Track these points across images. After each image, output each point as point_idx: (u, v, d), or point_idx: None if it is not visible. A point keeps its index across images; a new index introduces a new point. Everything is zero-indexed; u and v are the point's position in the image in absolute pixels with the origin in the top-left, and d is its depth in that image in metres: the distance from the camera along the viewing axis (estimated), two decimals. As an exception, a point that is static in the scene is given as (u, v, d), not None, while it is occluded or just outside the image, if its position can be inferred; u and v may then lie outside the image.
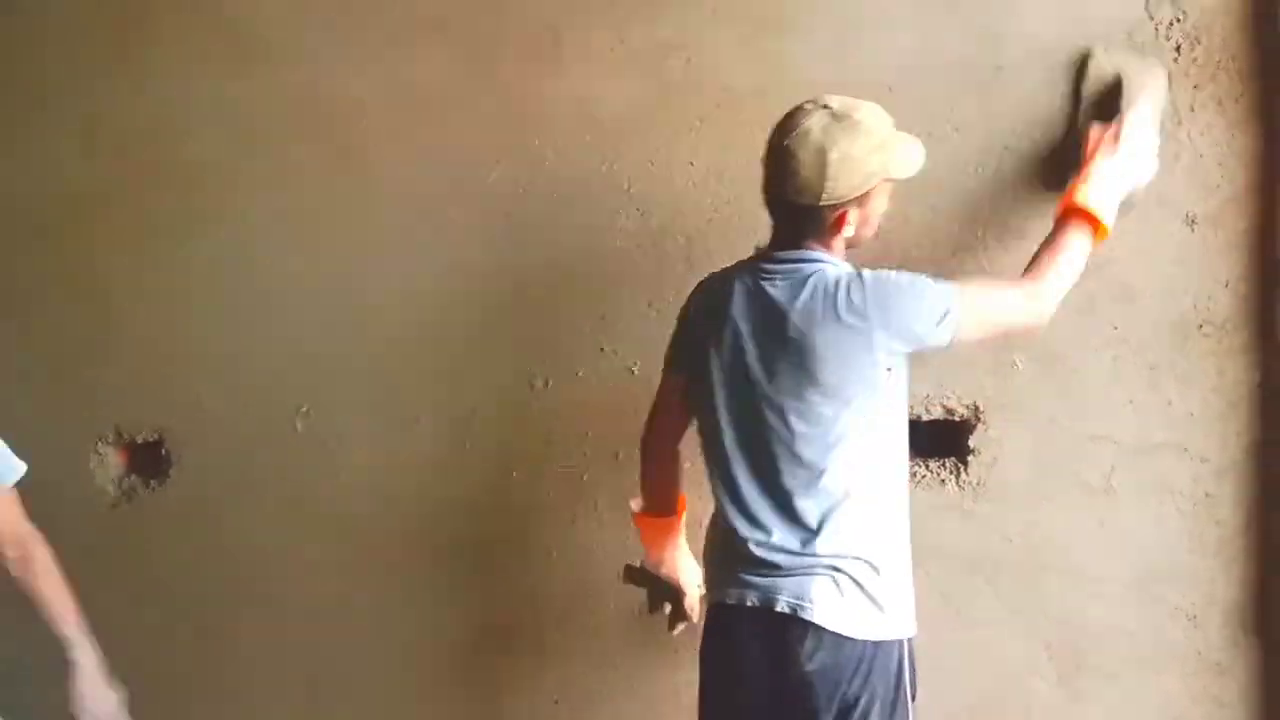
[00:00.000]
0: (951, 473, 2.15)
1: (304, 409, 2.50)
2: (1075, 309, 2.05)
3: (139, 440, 2.64)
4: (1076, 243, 1.85)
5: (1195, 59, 2.02)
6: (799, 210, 1.82)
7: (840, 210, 1.80)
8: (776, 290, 1.82)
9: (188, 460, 2.59)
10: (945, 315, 1.77)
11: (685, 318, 1.99)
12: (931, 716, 2.13)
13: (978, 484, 2.13)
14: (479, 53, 2.39)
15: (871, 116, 1.81)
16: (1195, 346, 2.02)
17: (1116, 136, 1.91)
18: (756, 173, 2.21)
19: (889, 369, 1.79)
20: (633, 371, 2.29)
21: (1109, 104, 1.97)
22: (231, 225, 2.55)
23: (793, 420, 1.78)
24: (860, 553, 1.77)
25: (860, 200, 1.81)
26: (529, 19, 2.36)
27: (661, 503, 2.08)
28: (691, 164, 2.28)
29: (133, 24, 2.61)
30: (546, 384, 2.37)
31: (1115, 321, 2.06)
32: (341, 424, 2.49)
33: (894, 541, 1.83)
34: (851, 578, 1.77)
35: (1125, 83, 1.95)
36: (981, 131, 2.12)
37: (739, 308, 1.85)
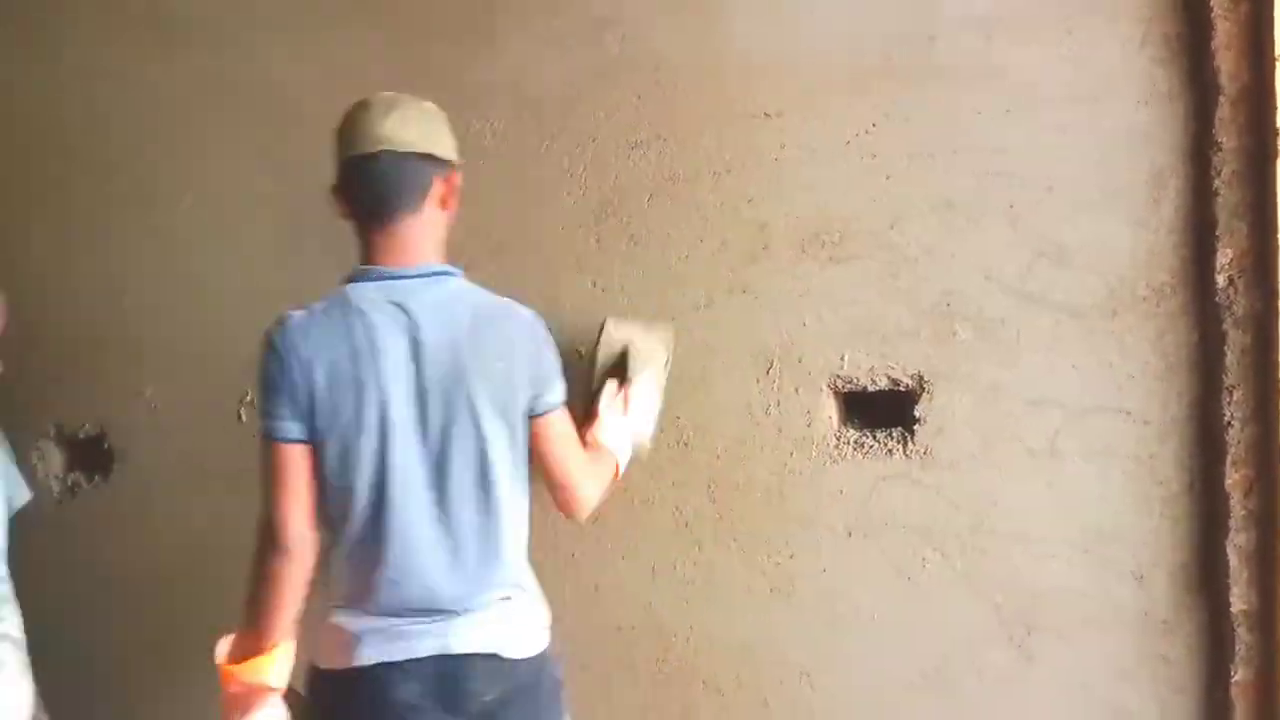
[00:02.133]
0: (899, 442, 2.16)
1: (247, 397, 2.47)
2: (1015, 275, 2.07)
3: (80, 435, 2.60)
4: (608, 465, 1.96)
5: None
6: (397, 166, 1.74)
7: (451, 173, 1.81)
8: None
9: (131, 454, 2.55)
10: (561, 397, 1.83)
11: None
12: (887, 685, 2.17)
13: (924, 452, 2.14)
14: (411, 33, 2.36)
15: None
16: (1134, 309, 2.03)
17: (625, 400, 2.06)
18: (698, 147, 2.22)
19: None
20: (579, 354, 2.28)
21: (618, 369, 2.13)
22: (157, 212, 2.52)
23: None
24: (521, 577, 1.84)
25: (449, 176, 1.80)
26: (461, -2, 2.34)
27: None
28: (631, 141, 2.26)
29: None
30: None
31: (1054, 286, 2.06)
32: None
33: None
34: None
35: (631, 353, 2.12)
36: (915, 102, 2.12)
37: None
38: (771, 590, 2.21)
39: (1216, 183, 1.97)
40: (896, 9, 2.12)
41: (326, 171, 2.39)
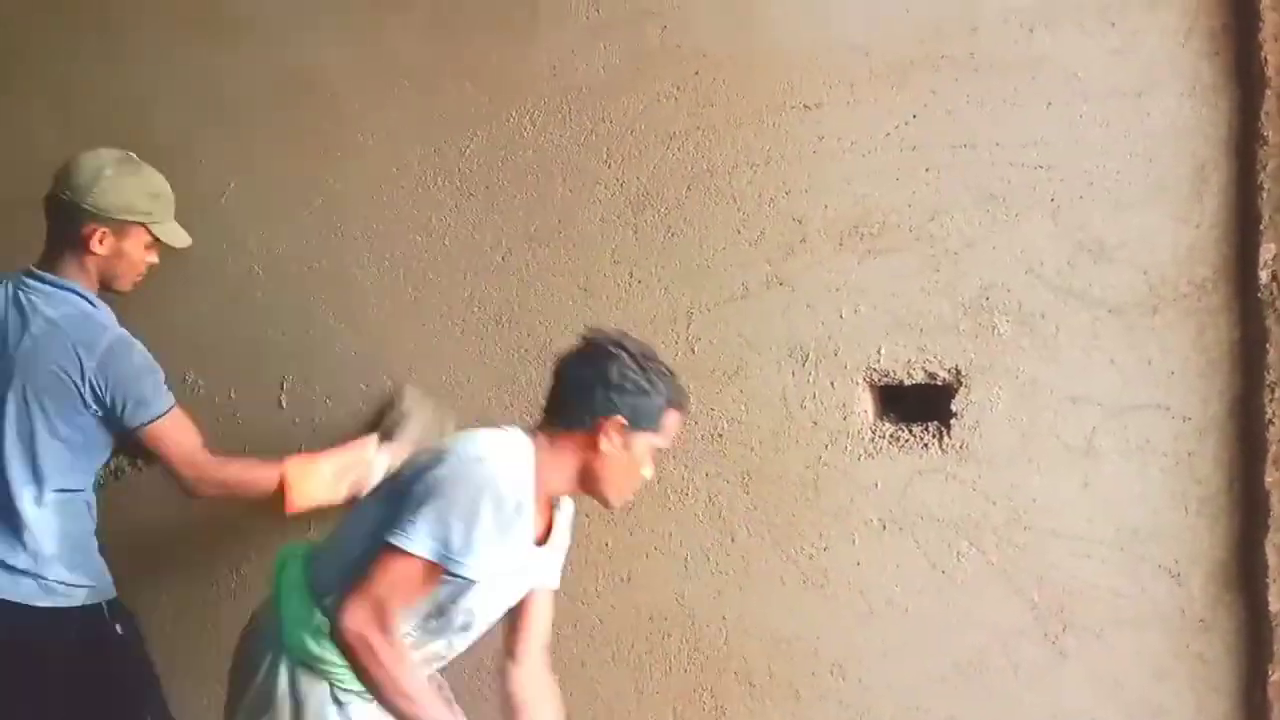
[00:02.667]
0: (935, 436, 2.15)
1: (288, 384, 2.51)
2: (1055, 269, 2.06)
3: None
4: (264, 475, 2.18)
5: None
6: (61, 207, 2.11)
7: (95, 225, 2.09)
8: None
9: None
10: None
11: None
12: (920, 679, 2.17)
13: (961, 447, 2.13)
14: (455, 24, 2.38)
15: (158, 177, 2.18)
16: (1175, 305, 2.01)
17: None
18: (736, 139, 2.23)
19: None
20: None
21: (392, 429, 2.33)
22: (209, 198, 2.55)
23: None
24: None
25: (117, 229, 2.11)
26: (503, -14, 2.35)
27: None
28: (670, 133, 2.27)
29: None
30: (528, 355, 2.37)
31: (1094, 282, 2.05)
32: (324, 398, 2.50)
33: None
34: None
35: (406, 423, 2.32)
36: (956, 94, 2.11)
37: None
38: (805, 582, 2.22)
39: (1261, 177, 1.95)
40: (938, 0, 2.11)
41: (368, 157, 2.45)
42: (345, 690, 1.82)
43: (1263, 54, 1.94)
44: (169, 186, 2.21)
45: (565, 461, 1.84)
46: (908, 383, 2.15)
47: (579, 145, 2.33)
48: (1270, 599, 1.96)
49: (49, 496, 2.14)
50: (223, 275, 2.56)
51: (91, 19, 2.65)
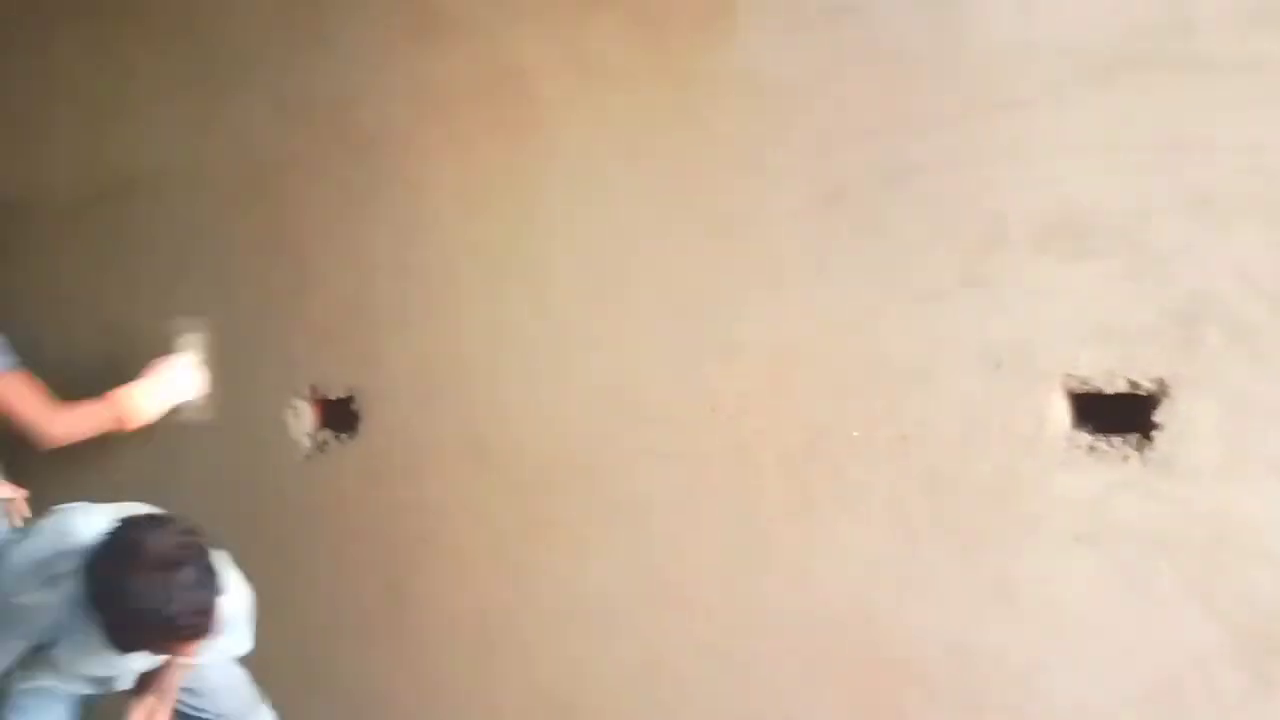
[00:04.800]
0: (1135, 449, 2.07)
1: (480, 372, 2.61)
2: (1272, 278, 1.95)
3: (331, 397, 2.81)
4: (101, 409, 2.61)
5: None
6: None
7: None
8: None
9: (376, 416, 2.73)
10: None
11: None
12: (1110, 699, 2.09)
13: (1163, 461, 2.04)
14: (655, 22, 2.41)
15: None
16: (1401, 315, 1.88)
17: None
18: (935, 136, 2.19)
19: None
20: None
21: None
22: (413, 190, 2.67)
23: None
24: None
25: None
26: (703, -13, 2.37)
27: None
28: (866, 129, 2.24)
29: (328, 2, 2.76)
30: (711, 349, 2.39)
31: (1312, 290, 1.93)
32: (513, 387, 2.58)
33: None
34: None
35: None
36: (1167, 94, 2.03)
37: None
38: (991, 592, 2.16)
39: None
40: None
41: (565, 151, 2.52)
42: None
43: None
44: None
45: None
46: (1108, 391, 2.07)
47: (770, 142, 2.32)
48: None
49: None
50: (425, 261, 2.68)
51: (309, 28, 2.81)
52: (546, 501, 2.56)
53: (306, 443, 2.83)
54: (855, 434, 2.26)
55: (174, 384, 2.82)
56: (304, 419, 2.84)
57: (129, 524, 2.02)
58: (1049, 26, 2.09)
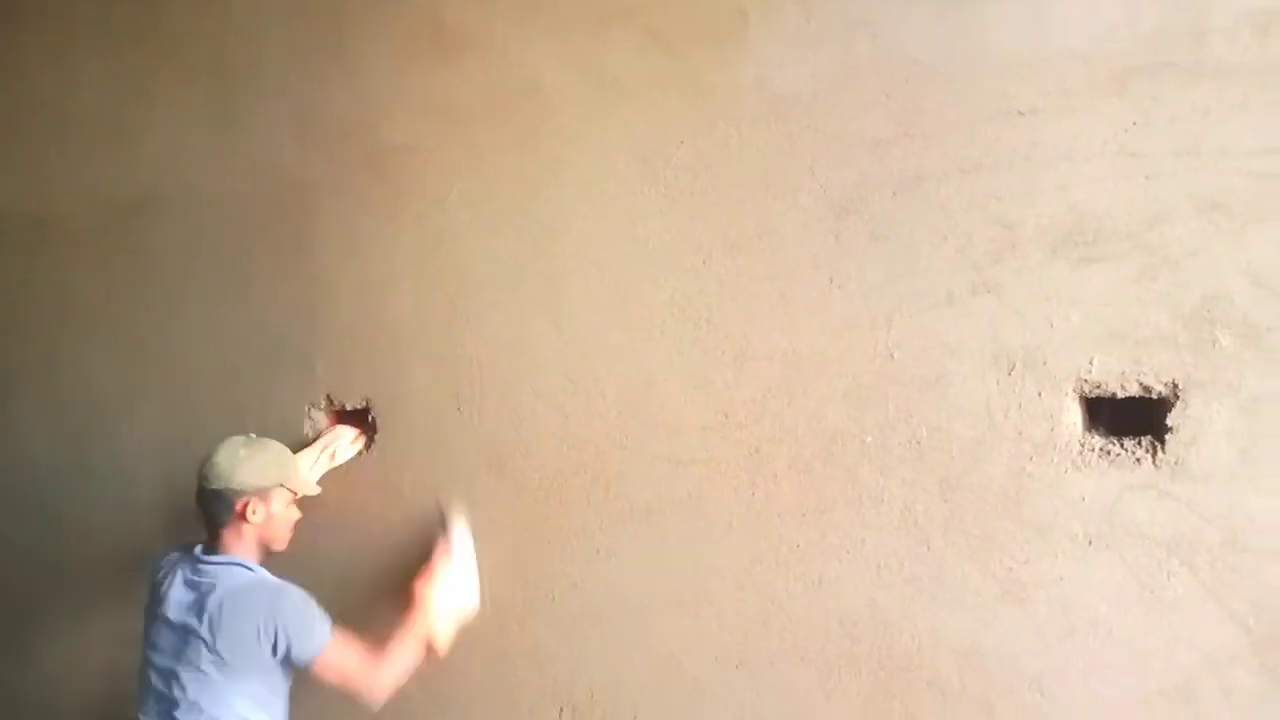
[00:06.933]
0: (1148, 451, 2.09)
1: (496, 381, 2.63)
2: (1282, 277, 1.98)
3: (347, 407, 2.83)
4: (413, 647, 2.44)
5: None
6: (212, 495, 2.45)
7: (244, 499, 2.45)
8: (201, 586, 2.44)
9: (391, 426, 2.76)
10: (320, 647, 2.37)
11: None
12: (1124, 700, 2.10)
13: (1175, 463, 2.06)
14: (668, 36, 2.45)
15: (277, 445, 2.54)
16: None
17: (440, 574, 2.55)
18: (946, 145, 2.22)
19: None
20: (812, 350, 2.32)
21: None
22: (431, 207, 2.71)
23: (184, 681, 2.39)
24: None
25: (262, 495, 2.46)
26: (717, 1, 2.41)
27: None
28: (877, 139, 2.28)
29: (349, 22, 2.82)
30: (724, 359, 2.41)
31: (1327, 294, 1.96)
32: (528, 396, 2.61)
33: None
34: None
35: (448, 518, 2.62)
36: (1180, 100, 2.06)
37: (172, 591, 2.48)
38: (1003, 595, 2.18)
39: None
40: (1164, 2, 2.06)
41: (580, 165, 2.54)
42: None
43: None
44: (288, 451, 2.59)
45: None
46: (1121, 395, 2.09)
47: (783, 153, 2.36)
48: None
49: None
50: (441, 275, 2.71)
51: (329, 46, 2.86)
52: (561, 508, 2.58)
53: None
54: (868, 439, 2.28)
55: (457, 588, 2.58)
56: (320, 427, 2.86)
57: None
58: (1061, 36, 2.13)
